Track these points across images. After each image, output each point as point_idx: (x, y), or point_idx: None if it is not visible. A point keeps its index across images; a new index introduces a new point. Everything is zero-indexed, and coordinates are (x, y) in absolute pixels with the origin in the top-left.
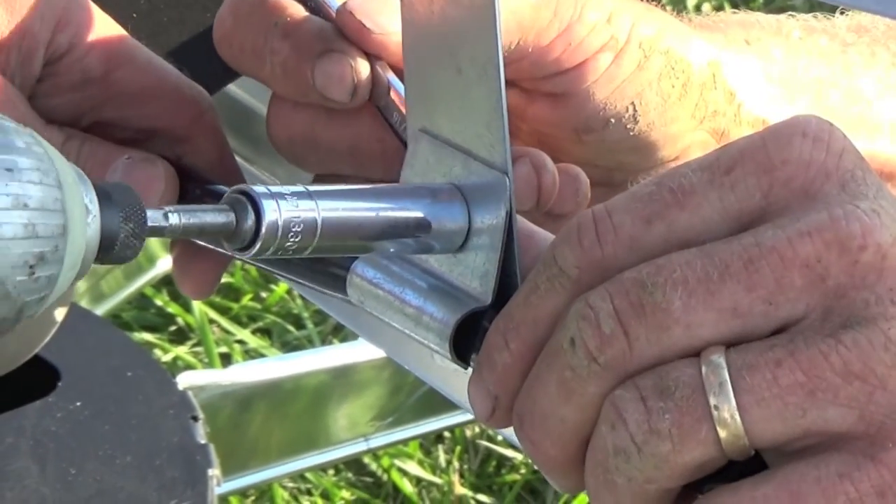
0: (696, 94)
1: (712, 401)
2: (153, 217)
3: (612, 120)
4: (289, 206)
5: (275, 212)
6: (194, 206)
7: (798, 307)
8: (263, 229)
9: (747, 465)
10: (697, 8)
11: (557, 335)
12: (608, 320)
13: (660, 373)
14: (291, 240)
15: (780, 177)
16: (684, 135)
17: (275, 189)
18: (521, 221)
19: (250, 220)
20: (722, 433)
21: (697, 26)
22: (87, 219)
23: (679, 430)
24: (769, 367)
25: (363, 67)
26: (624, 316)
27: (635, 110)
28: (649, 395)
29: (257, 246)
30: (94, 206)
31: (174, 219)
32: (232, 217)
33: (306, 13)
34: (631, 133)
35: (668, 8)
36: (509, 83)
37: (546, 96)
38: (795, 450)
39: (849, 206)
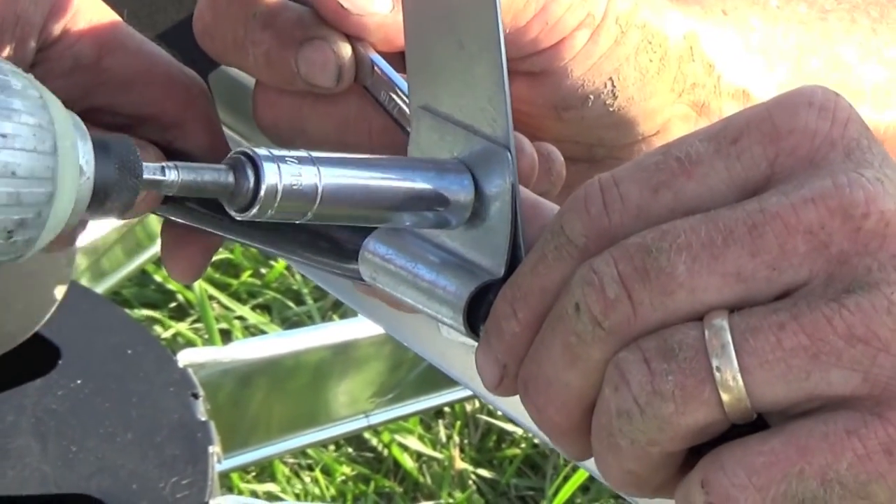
0: (674, 67)
1: (715, 363)
2: (150, 169)
3: (591, 96)
4: (290, 170)
5: (275, 175)
6: (193, 164)
7: (801, 273)
8: (262, 191)
9: (750, 429)
10: None
11: (562, 300)
12: (612, 285)
13: (663, 335)
14: (291, 205)
15: (785, 146)
16: (664, 108)
17: (277, 152)
18: (526, 192)
19: (250, 182)
20: (724, 395)
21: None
22: (79, 180)
23: (682, 391)
24: (773, 330)
25: (345, 51)
26: (628, 280)
27: (614, 86)
28: (653, 356)
29: (255, 208)
30: (90, 165)
31: (171, 174)
32: (231, 177)
33: (283, 0)
34: (610, 109)
35: None
36: None
37: (524, 75)
38: (799, 413)
39: (853, 173)
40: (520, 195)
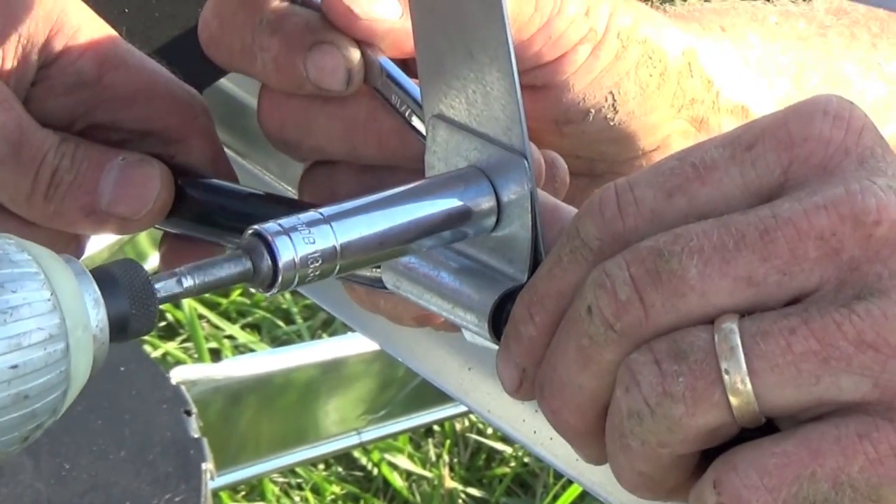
0: (673, 82)
1: (724, 365)
2: (166, 287)
3: (592, 111)
4: (303, 239)
5: (289, 249)
6: (207, 262)
7: (812, 278)
8: (281, 269)
9: (760, 434)
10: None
11: (576, 304)
12: (624, 287)
13: (674, 337)
14: (312, 271)
15: (800, 153)
16: (664, 124)
17: (287, 223)
18: (544, 196)
19: (267, 262)
20: (733, 398)
21: (673, 16)
22: (93, 348)
23: (692, 393)
24: (783, 335)
25: (355, 55)
26: (640, 283)
27: (614, 100)
28: (664, 358)
29: (277, 287)
30: (103, 328)
31: (188, 281)
32: (248, 264)
33: (290, 5)
34: (611, 123)
35: (660, 2)
36: None
37: (525, 88)
38: (808, 419)
39: (865, 181)
40: (538, 201)
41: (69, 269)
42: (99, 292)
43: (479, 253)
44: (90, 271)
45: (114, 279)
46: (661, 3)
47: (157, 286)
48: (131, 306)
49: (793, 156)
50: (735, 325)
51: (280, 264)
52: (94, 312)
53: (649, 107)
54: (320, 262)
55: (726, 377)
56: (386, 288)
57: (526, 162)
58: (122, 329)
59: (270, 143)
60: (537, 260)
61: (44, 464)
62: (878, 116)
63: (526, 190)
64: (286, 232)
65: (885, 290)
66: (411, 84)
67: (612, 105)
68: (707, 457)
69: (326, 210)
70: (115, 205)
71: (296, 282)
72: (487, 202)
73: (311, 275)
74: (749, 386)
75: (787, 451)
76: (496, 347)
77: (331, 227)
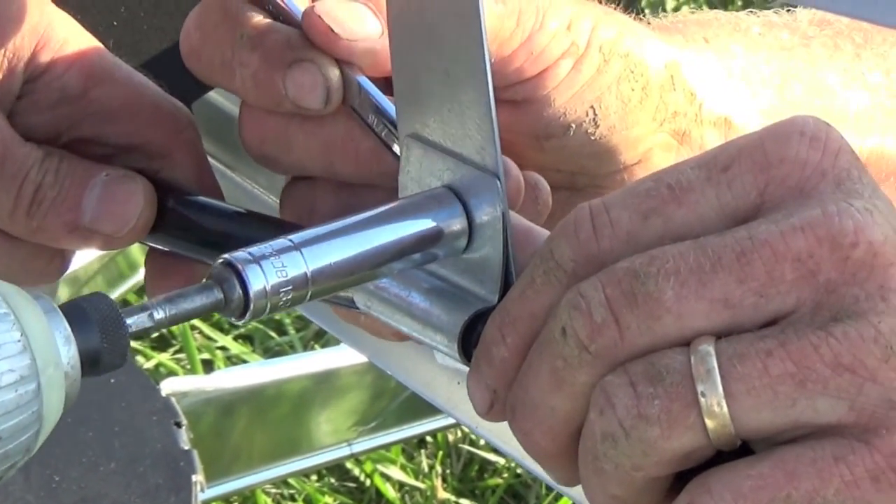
0: (655, 96)
1: (700, 388)
2: (137, 322)
3: (573, 125)
4: (274, 268)
5: (260, 278)
6: (178, 293)
7: (788, 301)
8: (251, 299)
9: (735, 457)
10: (676, 11)
11: (550, 325)
12: (599, 309)
13: (651, 359)
14: (283, 299)
15: (776, 175)
16: (645, 137)
17: (257, 251)
18: (517, 219)
19: (238, 293)
20: (709, 421)
21: (656, 28)
22: (65, 385)
23: (668, 415)
24: (760, 357)
25: (333, 74)
26: (615, 305)
27: (595, 115)
28: (639, 380)
29: (248, 316)
30: (74, 365)
31: (159, 314)
32: (219, 295)
33: (271, 21)
34: (592, 138)
35: (647, 12)
36: None
37: (506, 103)
38: (785, 441)
39: (843, 203)
40: (510, 222)
41: (38, 308)
42: (69, 329)
43: (451, 274)
44: (60, 307)
45: (84, 314)
46: (644, 15)
47: (128, 321)
48: (102, 341)
49: (769, 177)
50: (711, 347)
51: (251, 294)
52: (64, 350)
53: (631, 121)
54: (291, 289)
55: (702, 400)
56: (358, 308)
57: (499, 183)
58: (94, 364)
59: (251, 157)
60: (508, 282)
61: (34, 476)
62: (861, 127)
63: (498, 211)
64: (256, 261)
65: (862, 313)
66: (389, 104)
67: (594, 119)
68: (681, 479)
69: (297, 237)
70: (97, 222)
71: (267, 310)
72: (458, 224)
73: (283, 302)
74: (725, 408)
75: (762, 474)
76: (467, 368)
77: (301, 254)
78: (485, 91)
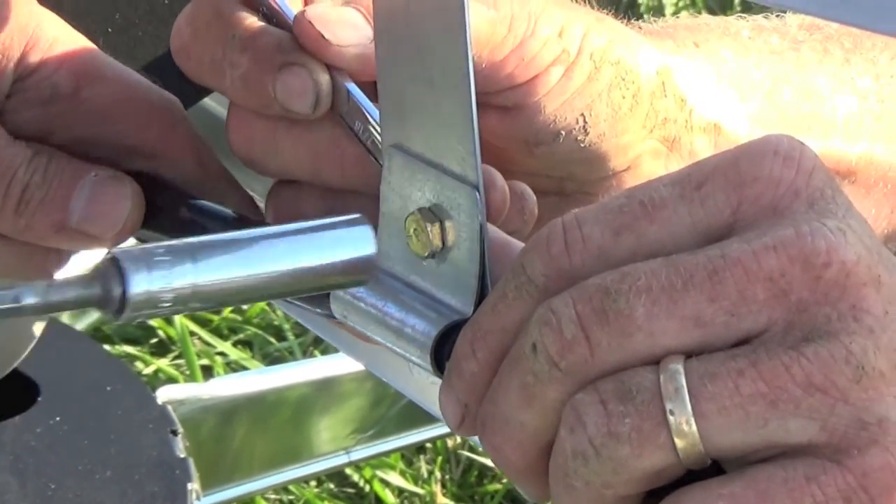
0: (646, 103)
1: (668, 406)
2: (2, 298)
3: (563, 132)
4: (160, 271)
5: (143, 282)
6: (60, 282)
7: (760, 320)
8: (129, 301)
9: (706, 475)
10: (675, 17)
11: (521, 340)
12: (570, 325)
13: (621, 377)
14: (164, 304)
15: (749, 194)
16: (635, 144)
17: (147, 250)
18: (495, 231)
19: (117, 291)
20: (678, 440)
21: (647, 33)
22: None
23: (638, 434)
24: (731, 377)
25: (324, 79)
26: (586, 321)
27: (585, 122)
28: (609, 398)
29: (125, 316)
30: None
31: (28, 299)
32: (98, 290)
33: (263, 24)
34: (581, 145)
35: (646, 17)
36: None
37: (496, 109)
38: (756, 460)
39: (815, 223)
40: (487, 235)
41: None
42: None
43: (428, 285)
44: None
45: None
46: (645, 20)
47: None
48: None
49: (742, 196)
50: (680, 365)
51: (129, 294)
52: None
53: (621, 128)
54: (173, 297)
55: (671, 418)
56: (335, 318)
57: (477, 195)
58: None
59: (238, 159)
60: (484, 294)
61: (29, 483)
62: (849, 133)
63: (476, 223)
64: (145, 260)
65: (833, 333)
66: (376, 111)
67: (584, 127)
68: (652, 496)
69: (195, 241)
70: (84, 223)
71: (146, 313)
72: (366, 251)
73: (163, 308)
74: (694, 427)
75: (734, 493)
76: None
77: (194, 261)
78: (468, 102)
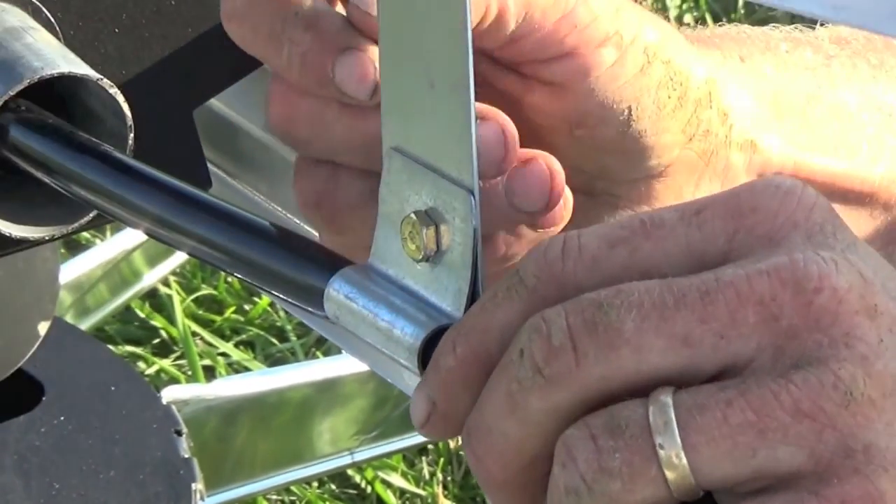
0: (690, 109)
1: (658, 440)
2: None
3: (607, 119)
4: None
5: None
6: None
7: (749, 344)
8: None
9: None
10: (679, 18)
11: (511, 347)
12: (559, 334)
13: (611, 412)
14: None
15: (746, 223)
16: (672, 149)
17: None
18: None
19: None
20: (669, 473)
21: (695, 40)
22: None
23: (629, 468)
24: (719, 407)
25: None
26: (575, 331)
27: (630, 114)
28: (599, 433)
29: None
30: None
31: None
32: None
33: (327, 5)
34: (622, 136)
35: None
36: (510, 68)
37: (543, 84)
38: (747, 492)
39: (809, 252)
40: (480, 239)
41: None
42: None
43: (422, 289)
44: None
45: None
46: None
47: None
48: None
49: (739, 224)
50: (669, 398)
51: None
52: None
53: (662, 127)
54: None
55: (661, 452)
56: (328, 318)
57: (473, 199)
58: None
59: (274, 135)
60: (475, 299)
61: (34, 483)
62: (873, 151)
63: (470, 227)
64: None
65: (823, 359)
66: None
67: (628, 119)
68: None
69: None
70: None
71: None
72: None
73: None
74: (684, 460)
75: None
76: None
77: None
78: (467, 105)
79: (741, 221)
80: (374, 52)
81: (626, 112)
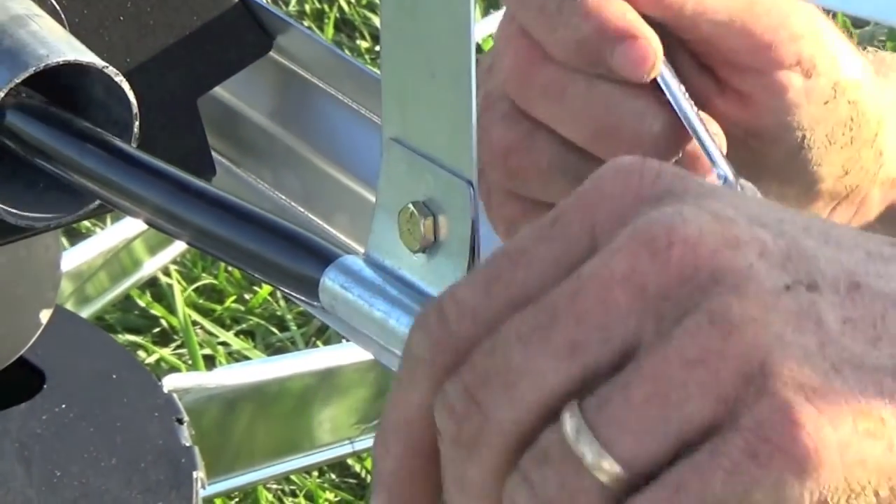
0: (857, 148)
1: (579, 451)
2: None
3: (781, 140)
4: None
5: None
6: None
7: (630, 323)
8: None
9: None
10: None
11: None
12: (459, 399)
13: (536, 445)
14: None
15: (599, 215)
16: (828, 179)
17: None
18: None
19: None
20: (601, 476)
21: (873, 63)
22: None
23: (566, 489)
24: (620, 393)
25: (659, 47)
26: (473, 389)
27: (802, 142)
28: (530, 469)
29: None
30: None
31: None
32: None
33: None
34: (789, 159)
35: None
36: (706, 68)
37: (735, 92)
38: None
39: (650, 214)
40: (479, 231)
41: None
42: None
43: (420, 280)
44: None
45: None
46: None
47: None
48: None
49: (593, 218)
50: (576, 407)
51: None
52: None
53: (827, 160)
54: None
55: (586, 459)
56: (324, 307)
57: (471, 190)
58: None
59: (498, 100)
60: None
61: (35, 470)
62: None
63: (468, 218)
64: None
65: (696, 305)
66: (679, 85)
67: (799, 145)
68: None
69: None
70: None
71: None
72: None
73: None
74: (608, 457)
75: (652, 497)
76: None
77: None
78: (467, 97)
79: (594, 214)
80: (652, 34)
81: (800, 138)
